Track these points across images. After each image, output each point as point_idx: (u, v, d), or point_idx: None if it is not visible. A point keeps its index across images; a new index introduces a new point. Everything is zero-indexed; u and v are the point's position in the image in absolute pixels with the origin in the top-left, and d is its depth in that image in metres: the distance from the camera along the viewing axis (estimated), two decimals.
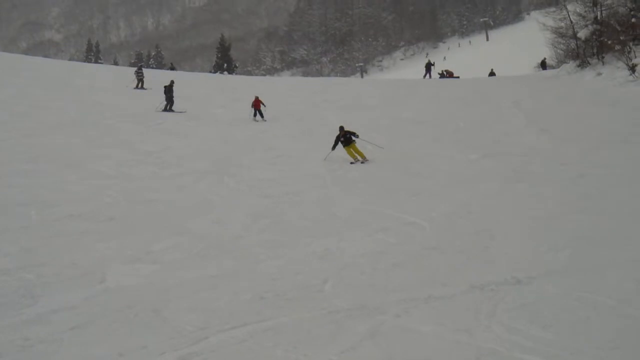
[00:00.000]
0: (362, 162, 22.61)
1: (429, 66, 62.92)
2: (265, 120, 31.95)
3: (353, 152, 22.86)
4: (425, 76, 61.34)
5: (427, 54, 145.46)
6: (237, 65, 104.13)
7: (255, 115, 32.15)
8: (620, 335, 7.96)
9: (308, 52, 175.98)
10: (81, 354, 7.79)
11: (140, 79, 42.26)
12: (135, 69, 45.76)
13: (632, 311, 8.81)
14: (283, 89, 45.78)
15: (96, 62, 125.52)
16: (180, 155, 23.25)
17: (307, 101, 39.18)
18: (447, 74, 61.03)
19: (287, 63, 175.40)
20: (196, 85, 45.48)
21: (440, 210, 15.87)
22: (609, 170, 19.21)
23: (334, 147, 22.91)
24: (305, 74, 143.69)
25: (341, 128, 23.18)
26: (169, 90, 33.92)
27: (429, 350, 7.77)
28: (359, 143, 23.04)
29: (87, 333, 8.50)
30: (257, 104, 32.38)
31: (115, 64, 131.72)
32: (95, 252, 12.39)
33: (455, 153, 23.66)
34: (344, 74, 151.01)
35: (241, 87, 46.31)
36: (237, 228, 14.59)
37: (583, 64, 43.87)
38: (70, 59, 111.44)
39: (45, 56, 66.22)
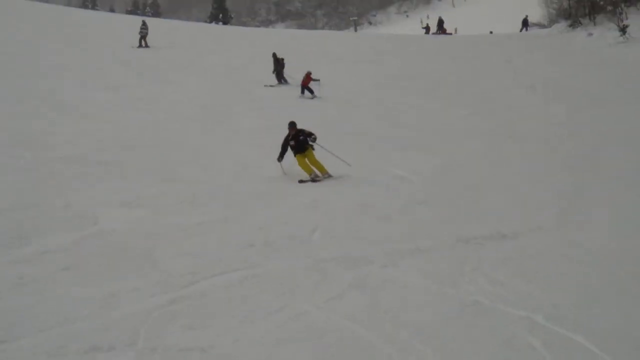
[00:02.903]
0: (321, 179, 14.76)
1: (441, 23, 62.53)
2: (317, 97, 26.60)
3: (308, 163, 14.92)
4: (437, 32, 60.90)
5: (421, 17, 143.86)
6: (232, 16, 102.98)
7: (303, 92, 27.15)
8: (601, 290, 8.01)
9: (303, 5, 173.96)
10: (74, 293, 7.81)
11: (143, 35, 37.52)
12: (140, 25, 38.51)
13: (614, 268, 8.86)
14: (279, 41, 45.32)
15: (93, 8, 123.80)
16: (171, 103, 23.07)
17: (300, 53, 38.85)
18: (441, 31, 60.88)
19: (282, 15, 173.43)
20: (189, 35, 45.08)
21: (429, 165, 15.86)
22: (596, 129, 19.25)
23: (281, 156, 15.03)
24: (300, 27, 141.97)
25: (292, 125, 15.16)
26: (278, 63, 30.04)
27: (414, 300, 7.78)
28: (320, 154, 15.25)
29: (80, 273, 8.51)
30: (306, 81, 27.29)
31: (112, 11, 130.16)
32: (87, 195, 12.31)
33: (446, 108, 23.62)
34: (338, 27, 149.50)
35: (234, 38, 45.89)
36: (227, 176, 14.53)
37: (574, 24, 43.82)
38: (66, 5, 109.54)
39: (43, 2, 65.61)
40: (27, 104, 20.24)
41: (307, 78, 27.15)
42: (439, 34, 59.69)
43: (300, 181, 14.47)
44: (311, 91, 27.04)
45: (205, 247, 9.83)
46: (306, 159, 14.89)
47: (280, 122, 20.39)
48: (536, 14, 61.07)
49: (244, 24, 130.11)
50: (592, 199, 12.70)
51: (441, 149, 17.54)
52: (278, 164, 15.02)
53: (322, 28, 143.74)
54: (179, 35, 43.97)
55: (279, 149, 15.05)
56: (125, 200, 12.20)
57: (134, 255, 9.34)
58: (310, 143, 15.05)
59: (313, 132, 15.20)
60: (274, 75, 29.73)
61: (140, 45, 37.38)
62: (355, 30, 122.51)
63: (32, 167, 14.13)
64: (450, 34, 60.06)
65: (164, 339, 6.69)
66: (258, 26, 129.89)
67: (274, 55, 29.95)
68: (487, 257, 9.33)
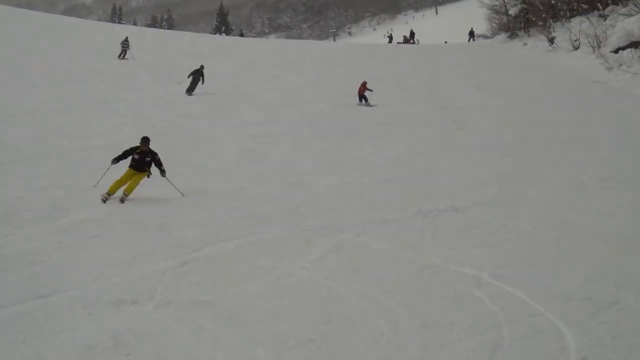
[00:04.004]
0: (120, 199, 10.75)
1: (412, 34, 62.21)
2: (371, 106, 23.72)
3: (130, 182, 11.02)
4: (409, 42, 60.41)
5: (389, 28, 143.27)
6: (233, 28, 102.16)
7: (360, 100, 24.22)
8: (535, 254, 8.01)
9: (291, 19, 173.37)
10: (102, 255, 7.85)
11: (124, 49, 34.05)
12: (122, 40, 34.56)
13: (546, 236, 8.87)
14: (271, 49, 44.99)
15: (119, 23, 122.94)
16: (184, 101, 22.85)
17: (288, 58, 38.57)
18: (404, 41, 60.87)
19: (274, 27, 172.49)
20: (201, 46, 44.58)
21: (394, 151, 15.83)
22: (529, 120, 19.31)
23: (117, 160, 11.26)
24: (288, 37, 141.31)
25: (145, 141, 11.48)
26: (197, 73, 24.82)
27: (382, 262, 7.78)
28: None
29: (107, 240, 8.53)
30: (361, 89, 24.37)
31: (134, 24, 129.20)
32: (114, 175, 12.17)
33: (409, 105, 23.52)
34: (320, 38, 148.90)
35: (235, 46, 45.48)
36: (229, 161, 14.46)
37: (512, 36, 44.49)
38: (98, 20, 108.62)
39: (78, 17, 65.28)
40: (66, 103, 20.02)
41: (363, 87, 24.48)
42: (410, 42, 59.40)
43: (103, 200, 10.68)
44: (365, 99, 24.20)
45: (211, 219, 9.82)
46: (134, 179, 11.09)
47: (270, 115, 20.38)
48: (482, 27, 60.90)
49: (242, 35, 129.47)
50: (526, 178, 12.71)
51: (403, 138, 17.48)
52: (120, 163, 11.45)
53: (307, 38, 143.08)
54: (190, 44, 43.39)
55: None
56: (145, 180, 12.06)
57: (151, 225, 9.33)
58: (160, 174, 11.38)
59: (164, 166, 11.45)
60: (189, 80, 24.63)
61: (120, 57, 33.76)
62: (334, 39, 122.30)
63: (70, 154, 14.12)
64: (413, 43, 59.82)
65: (176, 293, 6.69)
66: (254, 37, 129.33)
67: (202, 67, 25.10)
68: (441, 226, 9.32)
